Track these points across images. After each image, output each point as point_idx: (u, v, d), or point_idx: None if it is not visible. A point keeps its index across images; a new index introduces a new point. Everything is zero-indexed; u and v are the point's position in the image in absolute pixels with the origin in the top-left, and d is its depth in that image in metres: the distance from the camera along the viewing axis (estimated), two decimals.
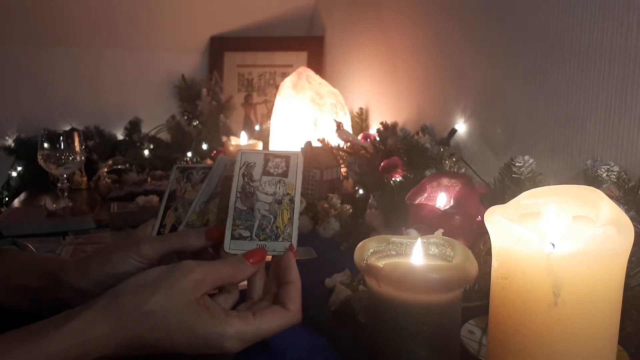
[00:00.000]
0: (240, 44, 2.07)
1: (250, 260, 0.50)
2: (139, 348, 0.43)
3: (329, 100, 1.36)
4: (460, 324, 0.49)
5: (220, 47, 2.07)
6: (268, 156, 0.58)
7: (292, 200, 0.55)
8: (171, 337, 0.43)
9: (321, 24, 2.03)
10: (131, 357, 0.44)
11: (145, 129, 1.89)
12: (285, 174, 0.56)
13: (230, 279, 0.49)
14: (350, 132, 1.34)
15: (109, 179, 1.46)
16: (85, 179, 1.56)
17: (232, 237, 0.53)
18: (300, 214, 0.60)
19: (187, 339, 0.43)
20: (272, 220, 0.54)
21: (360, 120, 1.55)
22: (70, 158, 1.20)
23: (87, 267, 0.54)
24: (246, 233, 0.53)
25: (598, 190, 0.40)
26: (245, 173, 0.56)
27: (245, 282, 0.53)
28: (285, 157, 0.58)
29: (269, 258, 0.53)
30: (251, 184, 0.56)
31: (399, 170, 0.94)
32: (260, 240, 0.53)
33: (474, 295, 0.61)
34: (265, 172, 0.56)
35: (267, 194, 0.55)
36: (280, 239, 0.53)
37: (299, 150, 0.59)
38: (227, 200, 0.55)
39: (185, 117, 1.97)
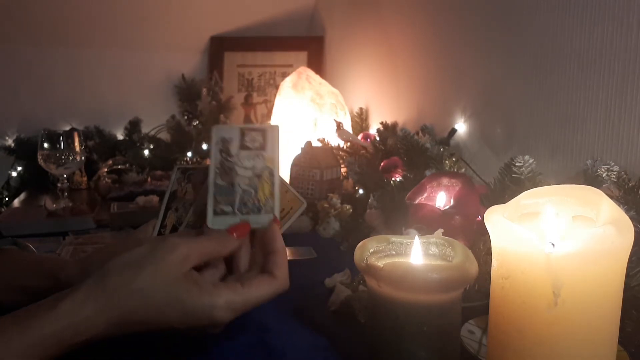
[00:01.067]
0: (240, 44, 2.07)
1: (234, 235, 0.50)
2: (130, 326, 0.43)
3: (329, 100, 1.36)
4: (460, 324, 0.49)
5: (220, 47, 2.07)
6: (244, 130, 0.56)
7: (271, 174, 0.54)
8: (161, 312, 0.44)
9: (321, 24, 2.03)
10: (122, 335, 0.44)
11: (145, 129, 1.89)
12: (263, 147, 0.55)
13: (216, 253, 0.49)
14: (350, 132, 1.34)
15: (109, 179, 1.46)
16: (85, 179, 1.56)
17: (215, 213, 0.52)
18: (301, 214, 0.60)
19: (177, 313, 0.44)
20: (253, 194, 0.53)
21: (360, 120, 1.55)
22: (70, 158, 1.20)
23: (87, 267, 0.54)
24: (228, 208, 0.53)
25: (598, 190, 0.40)
26: (222, 149, 0.55)
27: None
28: (262, 130, 0.57)
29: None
30: (229, 159, 0.55)
31: (399, 170, 0.94)
32: (242, 214, 0.52)
33: (474, 295, 0.61)
34: (243, 147, 0.55)
35: (246, 168, 0.54)
36: (263, 212, 0.53)
37: (277, 124, 0.58)
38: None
39: (185, 117, 1.97)
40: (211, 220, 0.52)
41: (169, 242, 0.46)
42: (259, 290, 0.47)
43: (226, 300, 0.45)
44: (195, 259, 0.47)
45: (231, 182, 0.54)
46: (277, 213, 0.53)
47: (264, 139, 0.56)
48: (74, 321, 0.41)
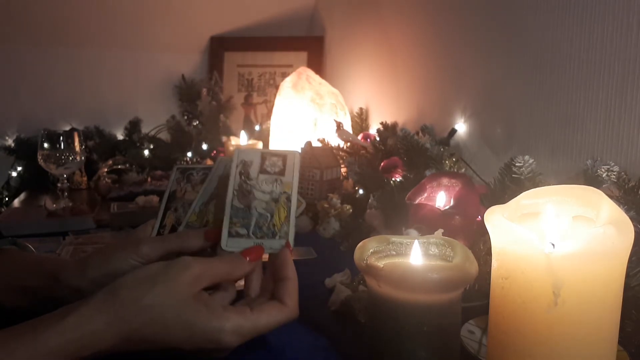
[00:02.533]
0: (240, 44, 2.07)
1: (248, 258, 0.50)
2: (137, 342, 0.43)
3: (329, 100, 1.36)
4: (460, 324, 0.49)
5: (220, 47, 2.07)
6: (265, 155, 0.58)
7: (288, 199, 0.55)
8: (169, 331, 0.43)
9: (321, 24, 2.03)
10: (129, 352, 0.44)
11: (145, 129, 1.89)
12: (282, 173, 0.56)
13: (228, 275, 0.49)
14: (350, 132, 1.34)
15: (109, 179, 1.46)
16: (85, 179, 1.56)
17: (229, 235, 0.53)
18: (301, 214, 0.60)
19: (185, 334, 0.44)
20: (269, 218, 0.54)
21: (360, 120, 1.55)
22: (70, 158, 1.20)
23: (87, 267, 0.54)
24: (243, 231, 0.53)
25: (598, 190, 0.40)
26: (242, 171, 0.56)
27: (242, 282, 0.53)
28: (282, 155, 0.58)
29: (265, 257, 0.53)
30: (248, 182, 0.56)
31: (399, 170, 0.94)
32: (257, 238, 0.53)
33: (474, 295, 0.61)
34: (262, 171, 0.56)
35: (264, 192, 0.55)
36: (277, 237, 0.53)
37: (297, 149, 0.59)
38: (224, 199, 0.55)
39: (185, 117, 1.97)
40: (225, 242, 0.53)
41: (182, 262, 0.46)
42: (269, 317, 0.46)
43: (234, 324, 0.44)
44: (207, 280, 0.47)
45: (248, 205, 0.54)
46: (291, 239, 0.53)
47: (283, 164, 0.57)
48: (81, 334, 0.41)
